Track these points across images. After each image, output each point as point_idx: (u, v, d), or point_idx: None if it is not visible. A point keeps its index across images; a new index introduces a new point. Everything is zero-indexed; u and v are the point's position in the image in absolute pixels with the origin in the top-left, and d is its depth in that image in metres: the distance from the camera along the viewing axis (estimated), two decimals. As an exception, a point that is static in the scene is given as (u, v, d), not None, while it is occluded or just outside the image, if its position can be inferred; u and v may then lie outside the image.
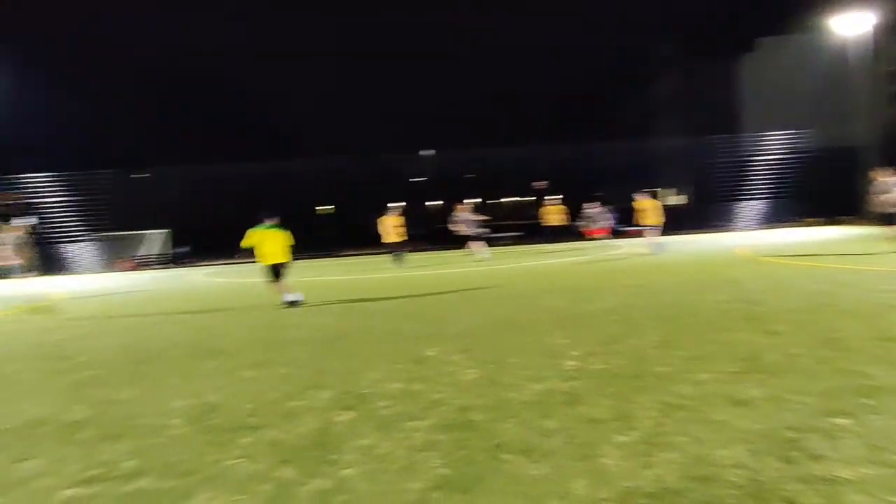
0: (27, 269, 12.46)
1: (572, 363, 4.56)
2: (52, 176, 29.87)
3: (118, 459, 3.15)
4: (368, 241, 18.35)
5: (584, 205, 22.30)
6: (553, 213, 22.46)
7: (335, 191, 36.29)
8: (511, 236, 31.09)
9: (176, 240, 31.46)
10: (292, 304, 9.32)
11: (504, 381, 4.19)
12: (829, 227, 28.96)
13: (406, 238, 17.92)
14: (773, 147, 37.09)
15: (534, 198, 37.09)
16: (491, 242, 20.68)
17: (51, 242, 27.97)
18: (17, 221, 12.76)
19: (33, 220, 14.29)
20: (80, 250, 29.62)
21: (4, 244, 12.15)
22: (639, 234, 17.51)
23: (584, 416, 3.36)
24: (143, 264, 29.24)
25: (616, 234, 21.08)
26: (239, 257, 9.21)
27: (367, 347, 5.76)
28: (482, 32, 51.20)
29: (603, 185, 31.52)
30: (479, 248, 17.97)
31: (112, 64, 42.42)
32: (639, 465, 2.69)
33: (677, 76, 43.72)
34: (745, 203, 36.10)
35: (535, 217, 24.76)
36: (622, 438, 3.00)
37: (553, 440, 3.04)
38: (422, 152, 38.70)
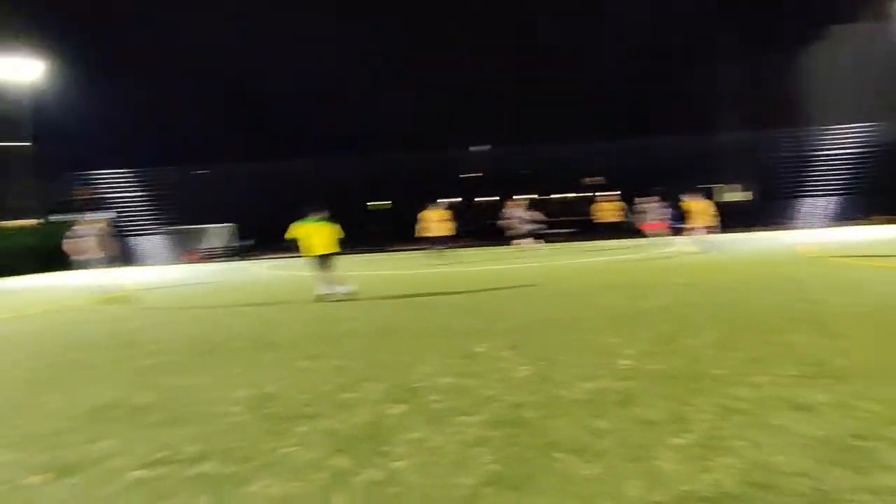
0: (104, 262, 13.14)
1: (626, 362, 4.49)
2: (125, 172, 31.45)
3: (182, 443, 3.31)
4: (421, 237, 18.45)
5: (639, 199, 21.77)
6: (608, 209, 22.03)
7: (390, 186, 36.72)
8: (564, 233, 30.69)
9: (241, 233, 32.60)
10: (344, 295, 9.42)
11: (556, 378, 4.16)
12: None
13: (448, 233, 17.91)
14: (840, 141, 35.12)
15: (588, 194, 36.44)
16: (546, 238, 20.45)
17: (124, 235, 29.44)
18: (94, 215, 13.45)
19: (110, 214, 15.09)
20: (150, 243, 31.15)
21: (84, 237, 12.86)
22: (692, 233, 16.96)
23: (637, 417, 3.30)
24: (209, 257, 30.46)
25: (673, 230, 20.48)
26: (295, 251, 9.47)
27: (418, 342, 5.83)
28: (534, 28, 50.65)
29: (661, 181, 30.65)
30: (528, 245, 17.78)
31: (178, 67, 44.26)
32: (695, 468, 2.62)
33: (740, 67, 41.97)
34: (809, 200, 34.34)
35: (589, 213, 24.35)
36: (677, 441, 2.94)
37: (606, 440, 3.01)
38: (475, 148, 38.63)
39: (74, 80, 31.88)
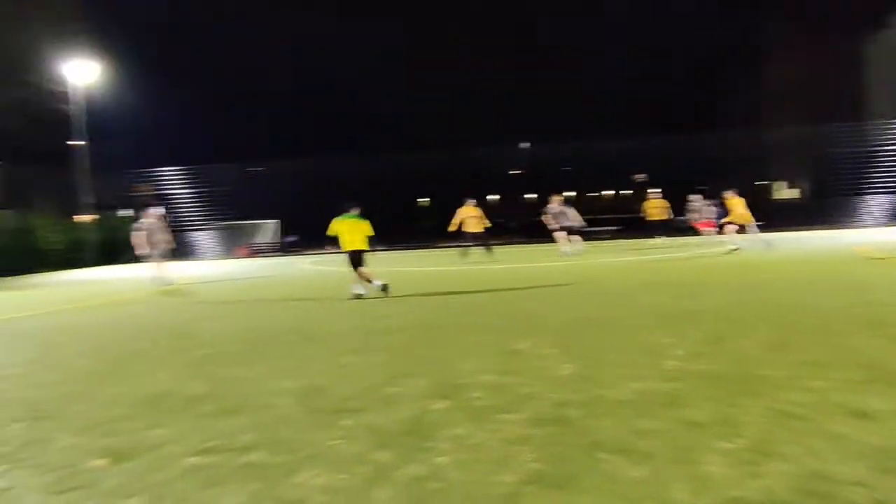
0: (162, 255, 13.67)
1: (673, 363, 4.39)
2: (180, 169, 32.60)
3: (234, 433, 3.42)
4: (464, 233, 18.47)
5: (689, 197, 21.23)
6: (655, 207, 21.58)
7: (434, 183, 36.83)
8: (609, 230, 30.20)
9: (285, 229, 33.39)
10: (378, 291, 9.40)
11: (600, 378, 4.11)
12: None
13: (482, 230, 17.82)
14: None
15: (633, 191, 35.74)
16: (589, 236, 20.13)
17: (180, 230, 30.50)
18: (153, 211, 13.99)
19: (166, 210, 15.66)
20: (204, 238, 32.26)
21: (144, 231, 13.40)
22: (741, 230, 16.47)
23: (685, 419, 3.23)
24: (258, 252, 31.31)
25: (720, 228, 19.92)
26: (332, 247, 9.57)
27: (461, 338, 5.84)
28: (580, 22, 49.86)
29: (709, 177, 29.73)
30: (565, 243, 17.51)
31: (231, 69, 45.63)
32: (745, 473, 2.55)
33: (796, 58, 40.23)
34: (868, 197, 32.64)
35: (635, 210, 23.89)
36: (727, 445, 2.86)
37: (652, 442, 2.95)
38: (523, 145, 38.36)
39: (133, 82, 33.25)
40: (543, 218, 18.06)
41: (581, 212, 18.74)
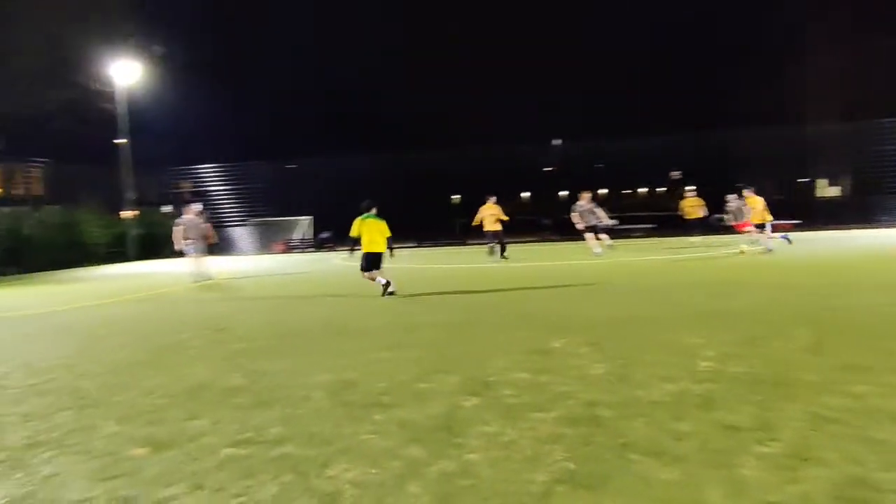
0: (201, 250, 13.99)
1: (708, 364, 4.32)
2: (217, 166, 33.31)
3: (267, 425, 3.50)
4: (485, 231, 18.42)
5: (728, 197, 20.74)
6: (692, 205, 21.14)
7: (467, 181, 36.75)
8: (643, 228, 29.70)
9: (318, 225, 33.80)
10: (384, 287, 9.40)
11: (633, 378, 4.07)
12: None
13: (499, 228, 17.72)
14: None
15: (668, 188, 35.05)
16: (622, 234, 19.83)
17: (217, 226, 31.19)
18: (193, 207, 14.33)
19: (204, 206, 16.01)
20: (241, 234, 32.94)
21: (184, 227, 13.73)
22: (778, 229, 16.06)
23: (720, 422, 3.17)
24: (292, 247, 31.79)
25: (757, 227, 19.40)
26: (357, 248, 9.64)
27: (493, 335, 5.84)
28: (614, 15, 49.13)
29: (745, 175, 28.93)
30: (595, 244, 17.27)
31: (266, 68, 46.45)
32: (782, 479, 2.50)
33: (839, 51, 38.80)
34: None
35: (670, 208, 23.43)
36: (763, 449, 2.80)
37: (685, 444, 2.91)
38: (555, 142, 38.00)
39: (172, 81, 34.13)
40: (572, 216, 17.86)
41: (614, 209, 18.46)
